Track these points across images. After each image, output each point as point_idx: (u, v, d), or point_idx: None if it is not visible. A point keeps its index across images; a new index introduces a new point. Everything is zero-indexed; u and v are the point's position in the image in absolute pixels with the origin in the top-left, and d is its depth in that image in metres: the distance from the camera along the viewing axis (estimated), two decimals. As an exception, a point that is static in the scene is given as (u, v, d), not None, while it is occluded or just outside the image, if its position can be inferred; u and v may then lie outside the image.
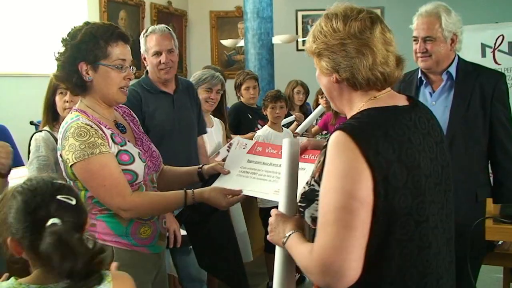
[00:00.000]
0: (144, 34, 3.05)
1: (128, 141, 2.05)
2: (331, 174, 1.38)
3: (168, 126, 2.93)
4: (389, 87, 1.51)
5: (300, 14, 8.36)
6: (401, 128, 1.42)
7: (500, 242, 2.64)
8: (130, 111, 2.26)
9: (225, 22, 8.39)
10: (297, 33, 8.15)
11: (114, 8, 6.71)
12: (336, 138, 1.39)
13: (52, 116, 2.80)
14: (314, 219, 1.46)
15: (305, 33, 8.25)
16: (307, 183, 1.54)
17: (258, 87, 4.48)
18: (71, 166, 1.91)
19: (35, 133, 2.81)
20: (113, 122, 2.07)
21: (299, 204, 1.55)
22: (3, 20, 5.22)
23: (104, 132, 1.96)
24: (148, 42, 2.99)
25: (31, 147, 2.75)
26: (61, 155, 1.97)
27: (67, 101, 2.72)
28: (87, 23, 2.02)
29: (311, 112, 4.95)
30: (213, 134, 3.60)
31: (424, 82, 2.61)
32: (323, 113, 4.94)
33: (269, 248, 3.38)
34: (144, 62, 3.09)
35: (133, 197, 1.96)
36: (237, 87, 4.47)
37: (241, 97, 4.48)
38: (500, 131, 2.50)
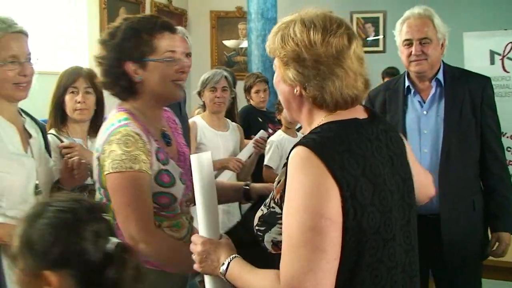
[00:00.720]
0: None
1: (171, 158, 1.85)
2: (296, 192, 1.28)
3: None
4: None
5: (301, 16, 8.25)
6: (363, 142, 1.36)
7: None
8: (174, 117, 2.06)
9: (225, 22, 8.25)
10: (299, 36, 8.04)
11: (114, 5, 6.55)
12: (298, 154, 1.30)
13: (60, 118, 2.62)
14: (276, 243, 1.35)
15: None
16: (265, 205, 1.43)
17: (268, 90, 4.35)
18: (106, 174, 1.72)
19: None
20: (160, 131, 1.88)
21: (257, 228, 1.42)
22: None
23: (150, 147, 1.75)
24: None
25: None
26: (98, 158, 1.78)
27: (79, 102, 2.56)
28: (125, 19, 1.82)
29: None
30: (229, 138, 3.45)
31: (413, 91, 2.52)
32: None
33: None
34: None
35: (156, 232, 1.75)
36: (247, 90, 4.35)
37: (250, 100, 4.35)
38: (490, 136, 2.46)
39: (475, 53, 5.66)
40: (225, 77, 3.45)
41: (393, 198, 1.37)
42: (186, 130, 3.00)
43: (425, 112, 2.48)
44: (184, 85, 1.91)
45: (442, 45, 2.47)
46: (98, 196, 1.90)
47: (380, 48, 7.93)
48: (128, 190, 1.69)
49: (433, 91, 2.48)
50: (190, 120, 3.50)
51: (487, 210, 2.48)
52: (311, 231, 1.23)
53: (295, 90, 1.40)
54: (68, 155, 2.41)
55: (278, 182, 1.39)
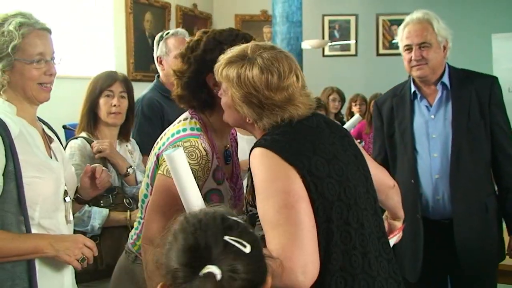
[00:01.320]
0: (163, 36, 2.96)
1: (227, 179, 1.83)
2: (262, 184, 1.45)
3: None
4: None
5: (326, 19, 8.21)
6: (308, 130, 1.55)
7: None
8: (236, 136, 2.05)
9: (250, 26, 8.24)
10: (323, 38, 8.00)
11: (140, 10, 6.60)
12: (254, 154, 1.48)
13: (93, 121, 2.62)
14: (262, 239, 1.41)
15: (331, 38, 8.10)
16: (244, 212, 1.61)
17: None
18: (159, 173, 1.72)
19: (71, 139, 2.65)
20: (224, 148, 1.86)
21: None
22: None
23: (211, 166, 1.73)
24: (169, 44, 2.89)
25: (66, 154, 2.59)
26: (157, 156, 1.76)
27: (114, 105, 2.57)
28: (205, 32, 1.79)
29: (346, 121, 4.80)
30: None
31: (419, 95, 2.50)
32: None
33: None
34: (160, 65, 3.00)
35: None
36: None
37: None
38: (500, 136, 2.43)
39: (504, 54, 5.59)
40: None
41: (348, 170, 1.54)
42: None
43: (432, 116, 2.46)
44: None
45: (445, 48, 2.44)
46: (143, 191, 1.90)
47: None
48: (166, 194, 1.68)
49: (439, 94, 2.46)
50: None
51: (503, 211, 2.45)
52: (285, 208, 1.39)
53: (247, 119, 1.57)
54: (98, 154, 2.47)
55: (247, 187, 1.55)
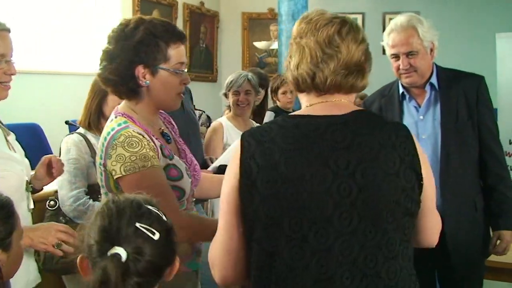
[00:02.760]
0: None
1: (175, 153, 1.90)
2: None
3: (182, 130, 2.85)
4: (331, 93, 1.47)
5: (333, 17, 8.23)
6: (295, 136, 1.39)
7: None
8: (169, 118, 2.09)
9: (257, 24, 8.30)
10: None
11: (147, 8, 6.67)
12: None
13: (97, 119, 2.67)
14: None
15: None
16: None
17: (295, 91, 4.38)
18: (116, 178, 1.73)
19: (67, 135, 2.71)
20: (159, 131, 1.91)
21: None
22: (38, 19, 5.20)
23: (154, 143, 1.79)
24: None
25: (61, 149, 2.66)
26: (104, 165, 1.78)
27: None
28: (141, 20, 1.82)
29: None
30: None
31: (407, 96, 2.52)
32: None
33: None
34: None
35: (186, 215, 1.81)
36: (274, 91, 4.37)
37: (277, 101, 4.38)
38: (487, 136, 2.45)
39: (508, 54, 5.58)
40: (248, 80, 3.46)
41: (312, 198, 1.35)
42: (193, 124, 3.07)
43: (421, 117, 2.48)
44: (182, 97, 1.94)
45: (431, 50, 2.44)
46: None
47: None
48: (149, 188, 1.69)
49: (428, 95, 2.47)
50: (216, 121, 3.55)
51: (488, 209, 2.48)
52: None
53: None
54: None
55: None
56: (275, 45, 6.66)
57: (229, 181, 1.43)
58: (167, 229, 1.23)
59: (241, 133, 3.52)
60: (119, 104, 2.57)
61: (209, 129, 3.55)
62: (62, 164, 2.19)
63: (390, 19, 8.15)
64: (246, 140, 1.42)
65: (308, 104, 1.49)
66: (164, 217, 1.25)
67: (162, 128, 1.95)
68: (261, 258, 1.40)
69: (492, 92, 5.78)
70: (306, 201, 1.35)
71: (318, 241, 1.34)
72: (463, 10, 7.66)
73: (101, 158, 1.80)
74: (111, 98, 2.60)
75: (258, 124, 3.60)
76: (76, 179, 2.57)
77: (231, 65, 7.76)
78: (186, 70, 1.89)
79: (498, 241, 2.47)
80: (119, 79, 1.81)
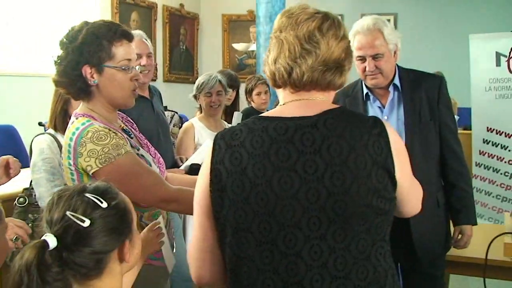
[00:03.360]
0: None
1: (141, 147, 1.97)
2: None
3: (153, 131, 2.92)
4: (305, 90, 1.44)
5: (312, 18, 8.32)
6: (263, 140, 1.37)
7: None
8: (127, 117, 2.15)
9: (237, 26, 8.37)
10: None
11: (126, 10, 6.71)
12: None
13: (62, 120, 2.71)
14: None
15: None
16: None
17: (269, 92, 4.44)
18: (93, 173, 1.77)
19: (36, 136, 2.76)
20: (120, 128, 1.96)
21: None
22: (13, 21, 5.22)
23: (122, 134, 1.86)
24: None
25: (33, 150, 2.71)
26: (74, 164, 1.81)
27: None
28: (86, 23, 1.88)
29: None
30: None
31: (371, 97, 2.58)
32: None
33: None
34: None
35: (173, 189, 1.86)
36: (248, 92, 4.43)
37: (252, 102, 4.44)
38: (447, 134, 2.53)
39: (481, 55, 5.67)
40: (219, 81, 3.53)
41: (278, 203, 1.34)
42: (163, 124, 3.15)
43: (386, 117, 2.53)
44: (136, 94, 1.97)
45: (395, 52, 2.50)
46: None
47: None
48: (131, 172, 1.78)
49: (391, 96, 2.53)
50: (188, 122, 3.60)
51: (449, 205, 2.56)
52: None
53: None
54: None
55: None
56: (253, 47, 6.73)
57: (201, 185, 1.43)
58: (103, 216, 1.28)
59: (212, 133, 3.58)
60: None
61: (181, 130, 3.60)
62: (20, 165, 2.24)
63: (368, 20, 8.30)
64: (218, 143, 1.41)
65: (283, 102, 1.48)
66: (103, 203, 1.29)
67: (122, 125, 2.01)
68: (232, 261, 1.40)
69: (466, 92, 5.86)
70: (274, 206, 1.33)
71: (287, 246, 1.33)
72: (438, 11, 7.80)
73: (69, 159, 1.82)
74: (76, 102, 2.66)
75: (229, 125, 3.66)
76: (54, 177, 2.64)
77: (211, 66, 7.79)
78: (138, 67, 1.95)
79: (460, 236, 2.56)
80: (68, 80, 1.86)
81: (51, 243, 1.20)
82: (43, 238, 1.21)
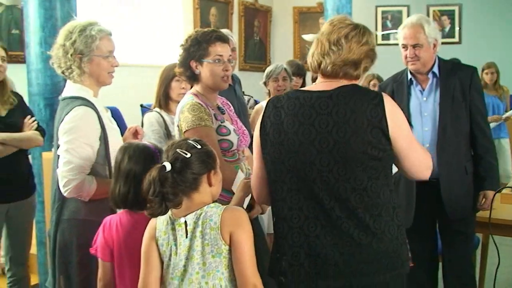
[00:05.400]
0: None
1: (226, 120, 2.65)
2: None
3: (236, 110, 3.40)
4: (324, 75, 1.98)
5: (379, 9, 8.64)
6: (295, 105, 1.94)
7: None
8: (227, 102, 2.87)
9: (307, 18, 8.80)
10: (376, 29, 8.47)
11: (206, 5, 7.30)
12: None
13: (165, 100, 3.38)
14: None
15: (384, 28, 8.55)
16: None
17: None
18: (184, 132, 2.51)
19: (147, 112, 3.42)
20: (216, 106, 2.68)
21: None
22: (115, 21, 5.92)
23: (210, 111, 2.56)
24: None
25: (144, 124, 3.34)
26: (178, 125, 2.57)
27: (183, 88, 3.34)
28: (196, 31, 2.68)
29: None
30: None
31: (414, 82, 3.11)
32: None
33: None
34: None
35: (222, 163, 2.43)
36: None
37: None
38: (477, 115, 3.02)
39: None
40: (285, 69, 4.15)
41: (300, 148, 1.91)
42: (243, 106, 3.81)
43: (424, 99, 3.07)
44: (228, 80, 2.67)
45: (434, 45, 3.00)
46: None
47: (456, 39, 8.29)
48: (202, 139, 2.41)
49: (430, 82, 3.06)
50: (258, 105, 4.28)
51: (476, 174, 3.05)
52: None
53: None
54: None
55: None
56: (322, 38, 7.13)
57: (256, 132, 2.04)
58: (197, 152, 1.90)
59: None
60: (180, 88, 3.31)
61: (253, 110, 4.23)
62: (143, 132, 2.94)
63: (434, 11, 8.57)
64: (268, 104, 2.03)
65: (317, 82, 2.04)
66: (198, 146, 1.92)
67: (219, 104, 2.73)
68: (271, 184, 2.00)
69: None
70: (298, 148, 1.92)
71: (306, 174, 1.90)
72: (503, 2, 7.96)
73: (176, 121, 2.62)
74: (175, 84, 3.37)
75: None
76: (160, 144, 3.24)
77: (282, 56, 8.24)
78: (229, 60, 2.67)
79: (484, 199, 3.04)
80: (183, 70, 2.68)
81: (168, 167, 1.84)
82: (162, 164, 1.85)
